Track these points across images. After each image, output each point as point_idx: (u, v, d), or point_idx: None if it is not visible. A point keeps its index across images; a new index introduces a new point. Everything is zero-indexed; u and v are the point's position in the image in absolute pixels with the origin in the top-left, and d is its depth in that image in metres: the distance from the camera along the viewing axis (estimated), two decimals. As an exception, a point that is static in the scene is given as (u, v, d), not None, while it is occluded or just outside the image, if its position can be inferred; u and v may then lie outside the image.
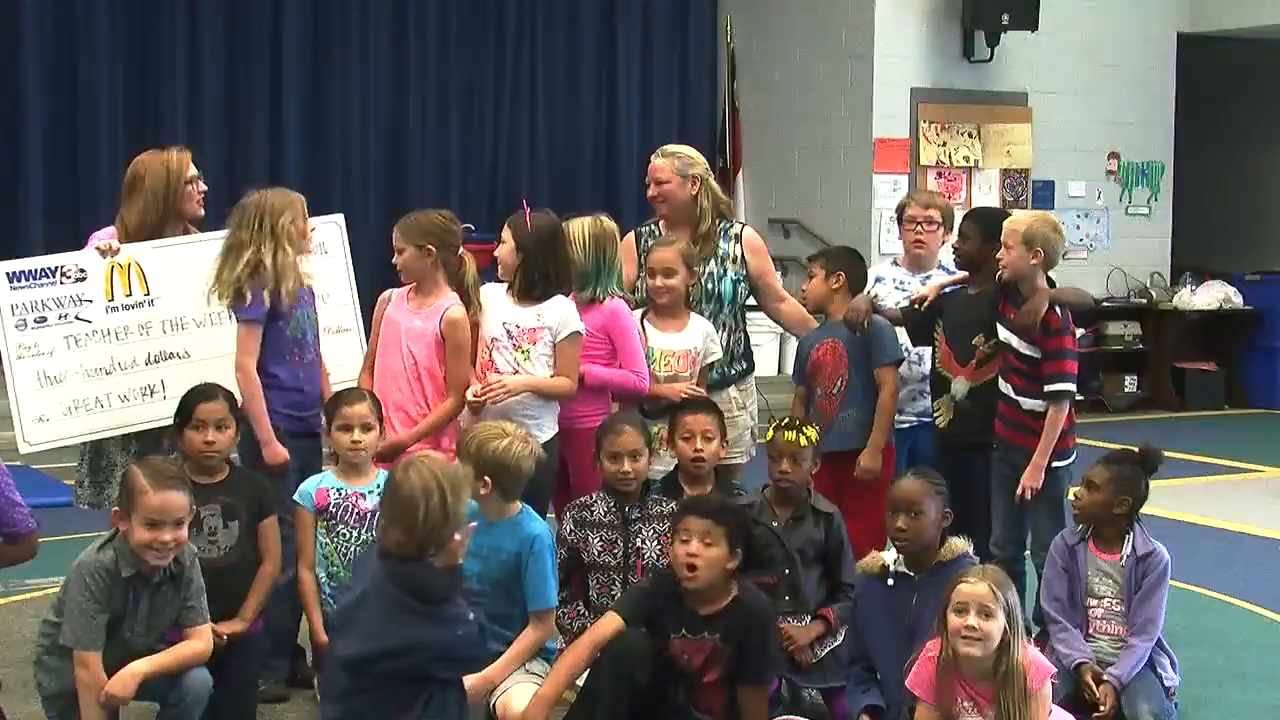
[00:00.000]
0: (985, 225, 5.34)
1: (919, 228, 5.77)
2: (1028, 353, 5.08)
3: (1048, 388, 5.02)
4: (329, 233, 5.50)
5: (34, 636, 4.32)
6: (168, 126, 10.87)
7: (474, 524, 3.75)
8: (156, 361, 5.17)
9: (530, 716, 4.04)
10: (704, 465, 4.81)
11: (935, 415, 5.46)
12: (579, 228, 5.14)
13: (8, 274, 5.02)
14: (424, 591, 3.53)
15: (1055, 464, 5.06)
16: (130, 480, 3.92)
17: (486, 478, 4.25)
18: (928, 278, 5.71)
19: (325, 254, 5.44)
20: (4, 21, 10.55)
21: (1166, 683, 4.65)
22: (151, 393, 5.13)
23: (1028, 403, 5.09)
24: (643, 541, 4.65)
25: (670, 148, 5.63)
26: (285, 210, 4.82)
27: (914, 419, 5.65)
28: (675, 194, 5.49)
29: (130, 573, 3.90)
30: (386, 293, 5.12)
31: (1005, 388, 5.15)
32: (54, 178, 10.65)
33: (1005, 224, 5.17)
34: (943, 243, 5.78)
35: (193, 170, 5.18)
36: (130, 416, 5.08)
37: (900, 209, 5.98)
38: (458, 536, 3.59)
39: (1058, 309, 5.07)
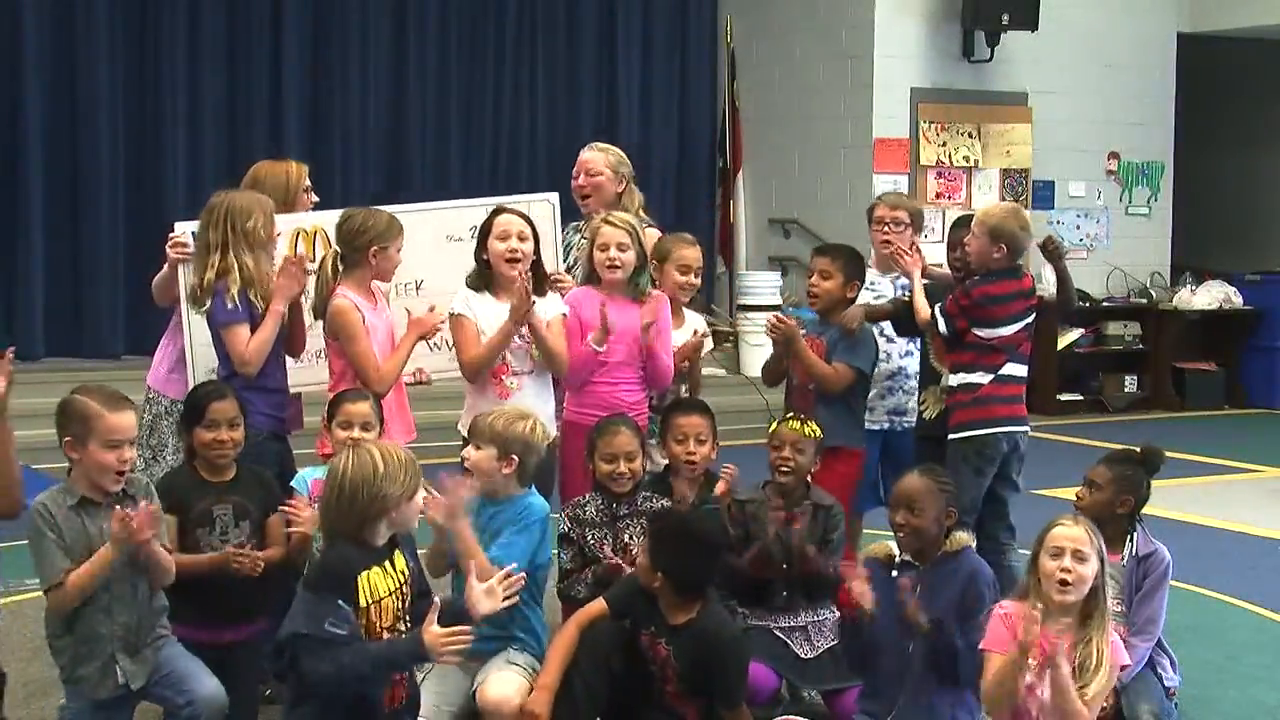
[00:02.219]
0: None
1: (886, 228, 5.80)
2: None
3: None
4: (542, 211, 5.49)
5: (33, 638, 4.33)
6: (168, 126, 10.90)
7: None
8: None
9: (535, 704, 4.12)
10: (696, 467, 4.85)
11: (922, 407, 5.56)
12: (631, 223, 5.16)
13: (192, 234, 5.09)
14: (312, 574, 3.69)
15: (959, 434, 5.22)
16: (81, 407, 3.90)
17: (513, 456, 4.39)
18: (897, 278, 5.74)
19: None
20: (4, 22, 10.55)
21: (1166, 683, 4.66)
22: (321, 356, 5.15)
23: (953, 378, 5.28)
24: (630, 537, 4.67)
25: (602, 144, 5.80)
26: (253, 212, 4.85)
27: (886, 419, 5.68)
28: (606, 187, 5.65)
29: (74, 501, 3.91)
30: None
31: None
32: (54, 178, 10.64)
33: (976, 214, 5.31)
34: (912, 244, 5.79)
35: (307, 181, 5.39)
36: (301, 377, 5.13)
37: (870, 210, 6.01)
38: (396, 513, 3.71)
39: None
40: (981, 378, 5.23)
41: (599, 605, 4.29)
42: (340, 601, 3.59)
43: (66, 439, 3.90)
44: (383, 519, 3.71)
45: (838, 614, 4.63)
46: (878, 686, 4.38)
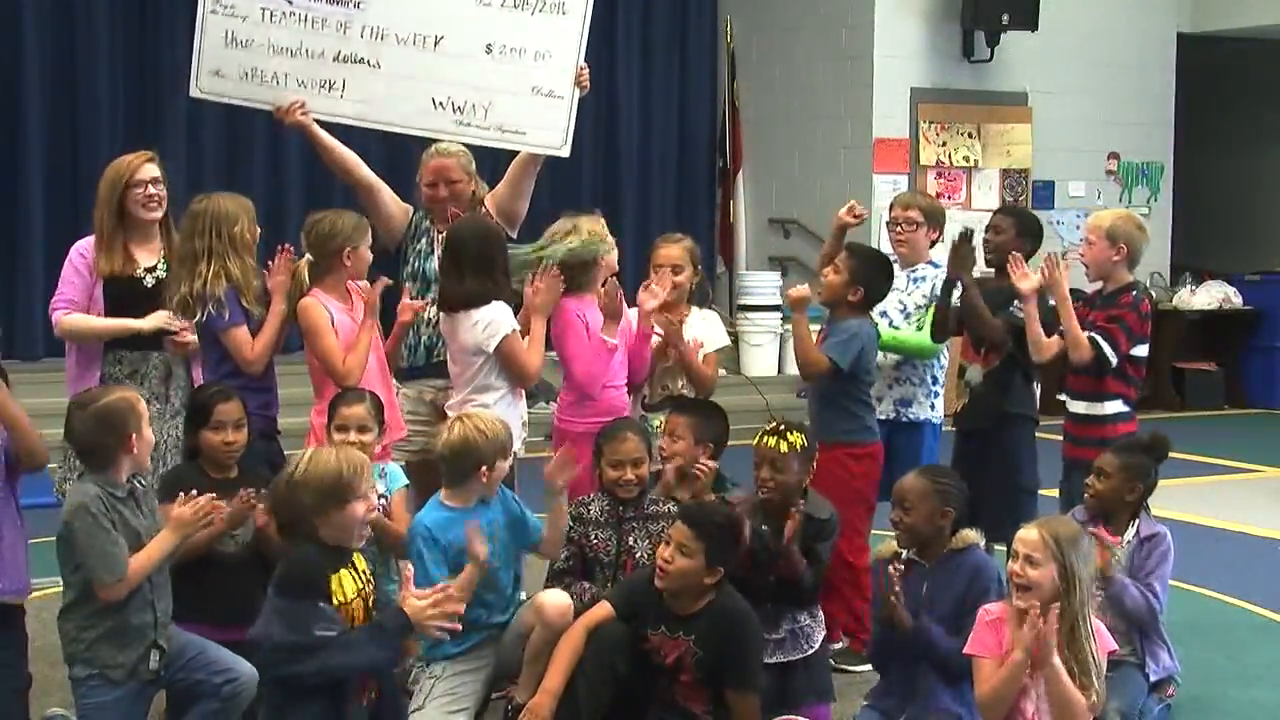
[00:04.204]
0: (1022, 221, 5.59)
1: (899, 229, 5.81)
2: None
3: (1091, 334, 5.15)
4: None
5: (34, 638, 4.33)
6: (168, 126, 10.89)
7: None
8: (345, 61, 5.31)
9: (539, 707, 4.12)
10: (667, 463, 4.85)
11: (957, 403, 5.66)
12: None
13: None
14: (282, 578, 3.70)
15: None
16: (119, 404, 4.00)
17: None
18: (914, 273, 5.72)
19: (563, 14, 5.38)
20: (4, 21, 10.55)
21: (1157, 674, 4.67)
22: (329, 88, 5.30)
23: (1074, 404, 5.30)
24: (635, 541, 4.68)
25: (450, 146, 5.48)
26: (238, 217, 4.86)
27: (892, 410, 5.64)
28: (465, 191, 5.45)
29: (122, 493, 3.99)
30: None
31: (1067, 401, 5.35)
32: (54, 177, 10.64)
33: (1088, 221, 5.36)
34: (931, 241, 5.79)
35: (154, 171, 5.07)
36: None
37: (889, 210, 6.03)
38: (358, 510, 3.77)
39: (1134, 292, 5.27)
40: (1124, 406, 5.27)
41: (604, 609, 4.27)
42: (320, 604, 3.64)
43: (131, 436, 3.97)
44: (306, 524, 3.75)
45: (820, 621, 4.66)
46: (891, 685, 4.40)
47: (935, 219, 5.81)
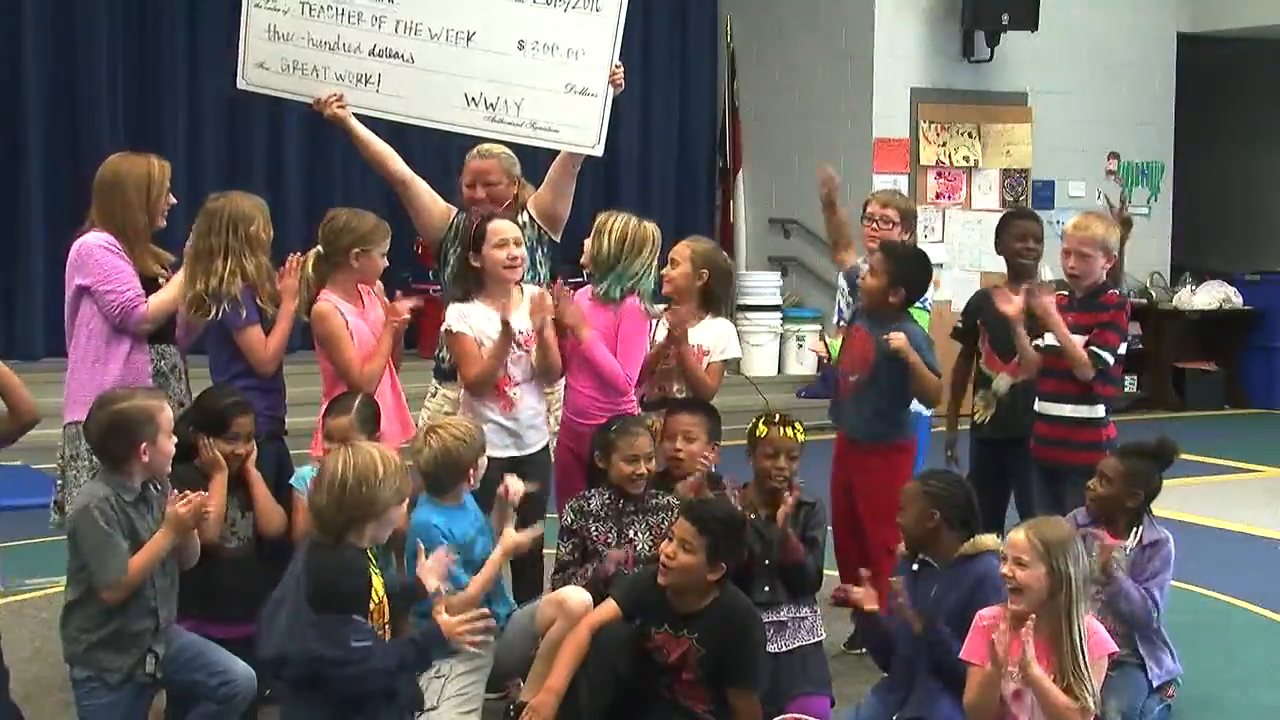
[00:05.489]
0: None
1: (874, 225, 5.81)
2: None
3: (1091, 347, 5.14)
4: None
5: (33, 638, 4.32)
6: (168, 126, 10.90)
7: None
8: (380, 55, 5.37)
9: (541, 706, 4.12)
10: (680, 465, 4.86)
11: (975, 413, 5.67)
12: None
13: None
14: (324, 591, 3.60)
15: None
16: (140, 411, 3.99)
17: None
18: None
19: (597, 12, 5.38)
20: (4, 21, 10.55)
21: (1159, 678, 4.66)
22: (365, 81, 5.37)
23: (1058, 408, 5.24)
24: (635, 534, 4.69)
25: (492, 148, 5.46)
26: (254, 217, 4.85)
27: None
28: (505, 195, 5.41)
29: (132, 497, 3.99)
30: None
31: (1044, 406, 5.30)
32: (54, 178, 10.63)
33: (1074, 233, 5.28)
34: (903, 241, 5.81)
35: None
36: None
37: (864, 206, 6.03)
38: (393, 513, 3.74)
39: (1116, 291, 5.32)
40: (1102, 411, 5.30)
41: (610, 608, 4.27)
42: (354, 616, 3.61)
43: (142, 445, 3.97)
44: (368, 523, 3.70)
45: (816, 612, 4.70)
46: (896, 679, 4.41)
47: (909, 221, 5.88)
